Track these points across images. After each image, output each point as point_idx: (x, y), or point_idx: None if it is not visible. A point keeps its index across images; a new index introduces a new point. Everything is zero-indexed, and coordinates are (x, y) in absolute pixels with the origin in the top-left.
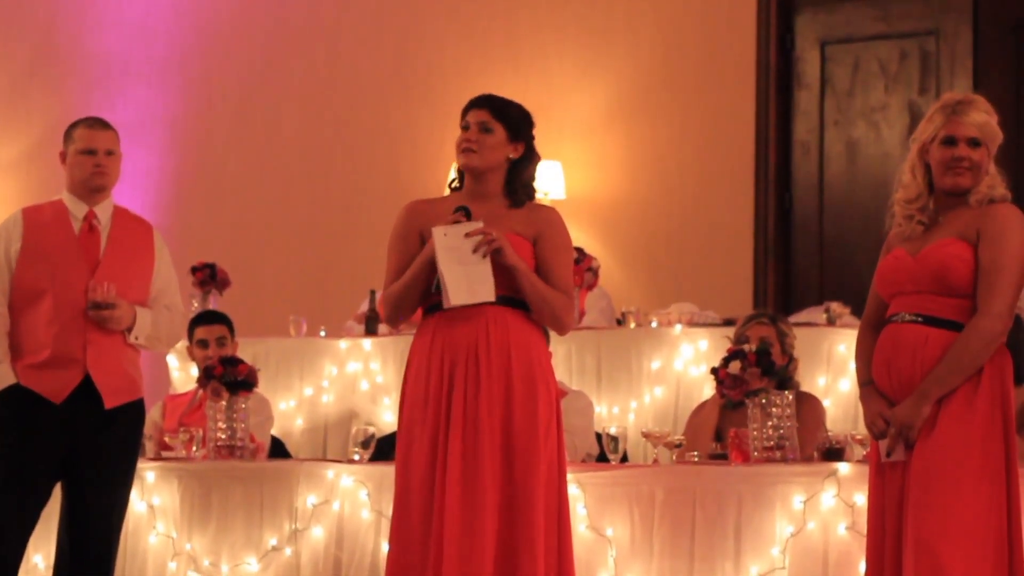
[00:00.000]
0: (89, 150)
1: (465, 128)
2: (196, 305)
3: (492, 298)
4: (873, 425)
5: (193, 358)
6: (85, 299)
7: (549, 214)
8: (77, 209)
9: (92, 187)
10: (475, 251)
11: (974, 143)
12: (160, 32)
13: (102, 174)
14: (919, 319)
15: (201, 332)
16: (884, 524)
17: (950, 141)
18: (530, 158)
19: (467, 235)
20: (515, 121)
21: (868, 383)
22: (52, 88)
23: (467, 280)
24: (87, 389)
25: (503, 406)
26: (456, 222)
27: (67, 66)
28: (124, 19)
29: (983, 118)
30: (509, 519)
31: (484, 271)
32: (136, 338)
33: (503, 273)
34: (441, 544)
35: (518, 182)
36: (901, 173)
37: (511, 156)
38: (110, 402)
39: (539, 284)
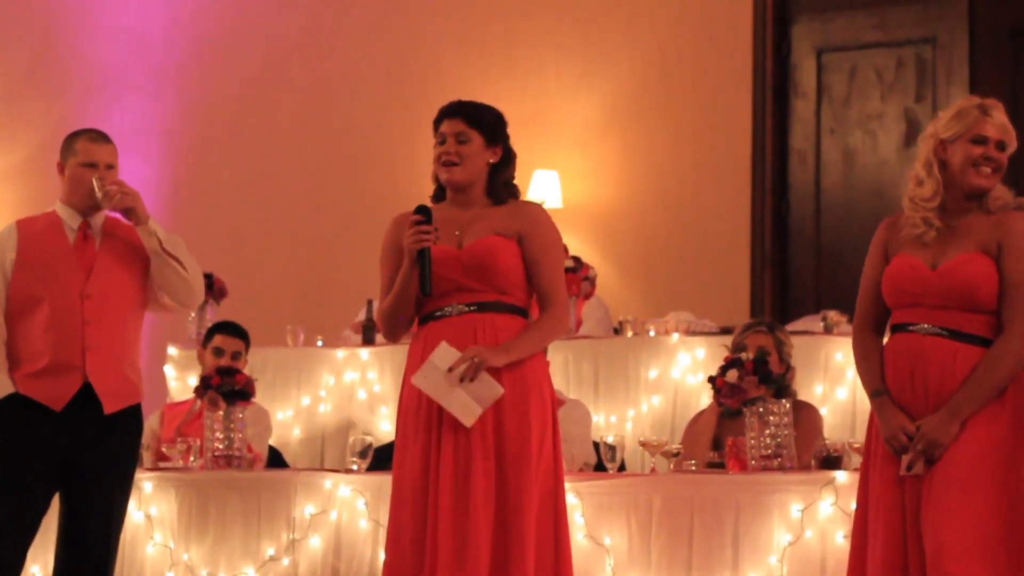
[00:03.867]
0: (90, 163)
1: (441, 141)
2: (193, 315)
3: (502, 391)
4: (894, 439)
5: (203, 363)
6: (81, 305)
7: (533, 211)
8: (71, 219)
9: (92, 202)
10: (463, 380)
11: (1001, 146)
12: (156, 42)
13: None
14: (944, 332)
15: (220, 340)
16: (890, 536)
17: (981, 140)
18: (509, 159)
19: (450, 369)
20: (490, 126)
21: (882, 392)
22: (48, 98)
23: (471, 393)
24: (87, 395)
25: (494, 413)
26: (421, 253)
27: (63, 76)
28: (120, 29)
29: (1007, 123)
30: (502, 525)
31: (481, 378)
32: (153, 236)
33: (489, 279)
34: (436, 552)
35: (499, 183)
36: (914, 170)
37: (491, 161)
38: (110, 407)
39: (531, 343)
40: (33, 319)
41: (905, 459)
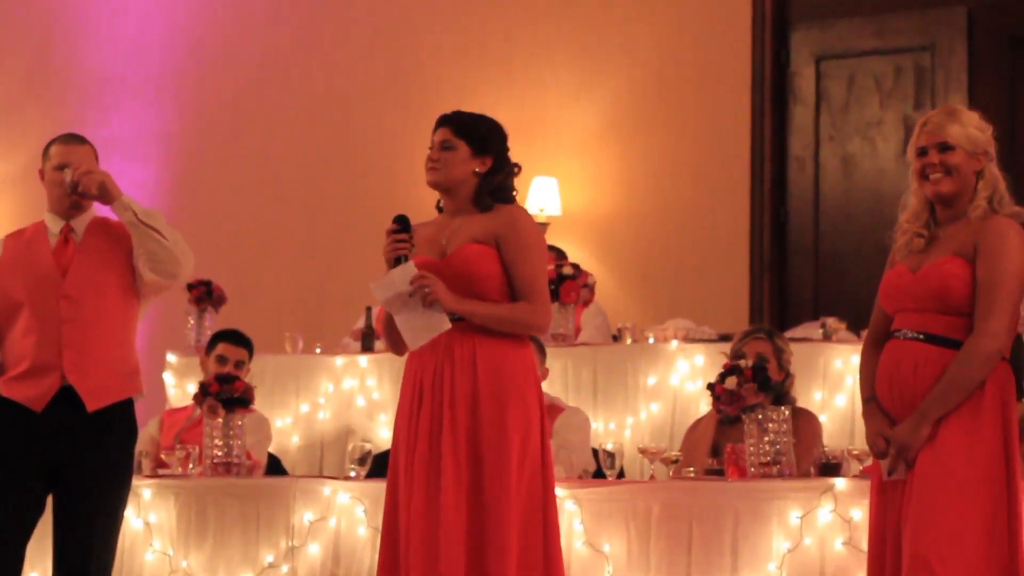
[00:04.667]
0: (64, 165)
1: (431, 147)
2: (192, 322)
3: (448, 326)
4: (874, 445)
5: (205, 370)
6: (59, 306)
7: (511, 213)
8: (55, 225)
9: (68, 202)
10: (412, 296)
11: (944, 147)
12: (155, 48)
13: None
14: (920, 336)
15: (223, 348)
16: (885, 540)
17: (921, 152)
18: (501, 169)
19: (411, 282)
20: (479, 136)
21: (871, 399)
22: (47, 105)
23: (421, 319)
24: (70, 395)
25: (469, 422)
26: (397, 259)
27: (62, 82)
28: (119, 35)
29: (954, 126)
30: (478, 535)
31: (434, 308)
32: (128, 209)
33: (470, 288)
34: (410, 559)
35: (485, 191)
36: (906, 197)
37: (477, 170)
38: (92, 404)
39: (490, 311)
40: (16, 325)
41: (883, 465)
